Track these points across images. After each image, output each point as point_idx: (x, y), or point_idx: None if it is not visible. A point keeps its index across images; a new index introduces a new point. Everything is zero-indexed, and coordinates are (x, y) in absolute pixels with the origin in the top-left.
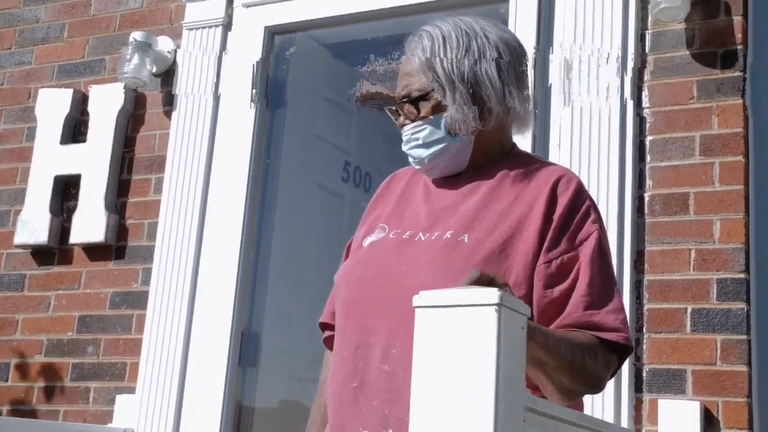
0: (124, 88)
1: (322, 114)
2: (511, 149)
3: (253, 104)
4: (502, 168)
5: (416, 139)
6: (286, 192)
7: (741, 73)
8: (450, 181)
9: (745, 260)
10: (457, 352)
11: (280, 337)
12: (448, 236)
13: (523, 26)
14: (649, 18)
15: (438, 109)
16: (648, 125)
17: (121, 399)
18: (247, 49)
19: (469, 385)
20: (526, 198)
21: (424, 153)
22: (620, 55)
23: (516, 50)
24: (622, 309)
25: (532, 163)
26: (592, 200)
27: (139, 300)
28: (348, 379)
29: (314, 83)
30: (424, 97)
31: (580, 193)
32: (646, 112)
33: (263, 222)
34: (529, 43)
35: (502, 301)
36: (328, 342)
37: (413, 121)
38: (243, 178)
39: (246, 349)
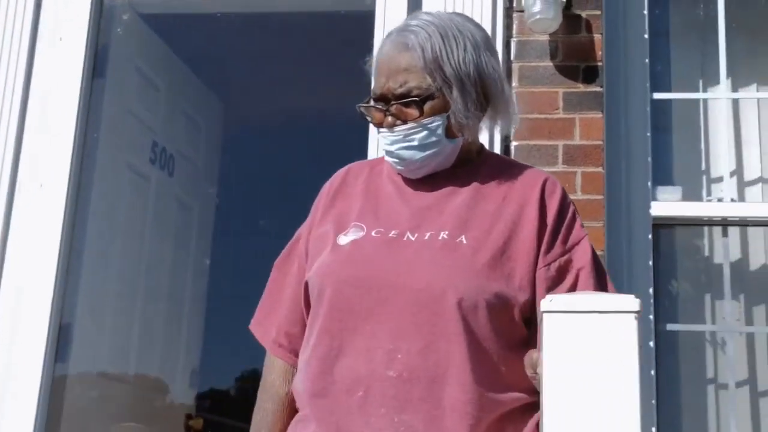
0: None
1: (134, 88)
2: (482, 149)
3: (80, 73)
4: (480, 168)
5: (410, 140)
6: (102, 170)
7: (600, 89)
8: (425, 179)
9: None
10: (595, 357)
11: (90, 329)
12: (445, 236)
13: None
14: (514, 26)
15: (440, 110)
16: (512, 131)
17: None
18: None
19: (613, 389)
20: (514, 198)
21: (417, 155)
22: None
23: (493, 45)
24: None
25: (508, 164)
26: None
27: None
28: (352, 387)
29: (130, 54)
30: (430, 97)
31: (565, 196)
32: None
33: (79, 204)
34: None
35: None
36: (280, 350)
37: (405, 121)
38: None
39: (61, 344)
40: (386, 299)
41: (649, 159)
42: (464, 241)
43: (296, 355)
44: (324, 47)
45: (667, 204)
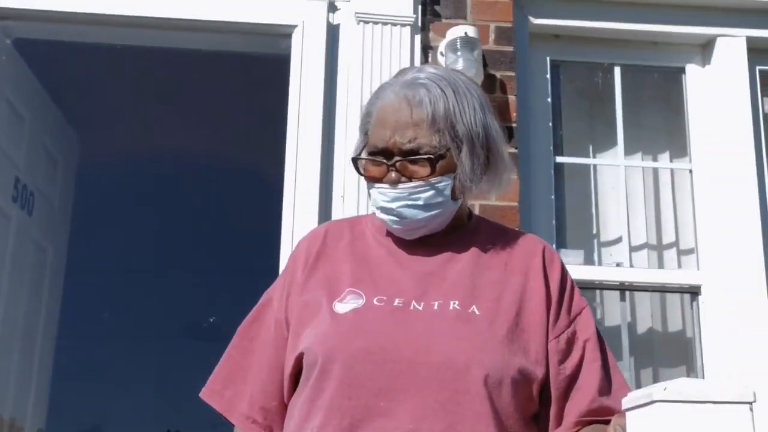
0: None
1: (2, 119)
2: (471, 213)
3: None
4: (474, 233)
5: (416, 199)
6: None
7: (515, 150)
8: (417, 243)
9: None
10: None
11: None
12: (457, 307)
13: (308, 78)
14: None
15: (448, 170)
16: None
17: None
18: None
19: None
20: (516, 267)
21: (420, 215)
22: None
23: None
24: (626, 384)
25: (503, 230)
26: None
27: None
28: None
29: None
30: (442, 156)
31: (563, 264)
32: None
33: None
34: (317, 100)
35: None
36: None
37: (410, 179)
38: None
39: None
40: (402, 375)
41: (554, 222)
42: (476, 312)
43: None
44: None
45: (570, 267)
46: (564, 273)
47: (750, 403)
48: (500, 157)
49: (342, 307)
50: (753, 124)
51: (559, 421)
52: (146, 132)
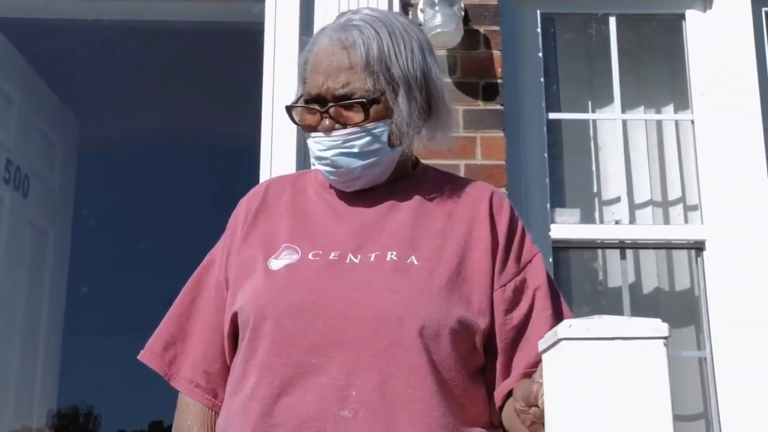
0: None
1: None
2: (418, 162)
3: None
4: (419, 183)
5: (350, 147)
6: None
7: (501, 107)
8: (359, 194)
9: None
10: (621, 388)
11: None
12: (394, 258)
13: (282, 42)
14: None
15: (384, 115)
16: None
17: None
18: None
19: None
20: (461, 215)
21: (356, 163)
22: None
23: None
24: None
25: (450, 178)
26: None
27: None
28: (298, 430)
29: None
30: (376, 100)
31: (513, 211)
32: None
33: None
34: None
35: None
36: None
37: (345, 125)
38: None
39: None
40: (334, 330)
41: (547, 181)
42: (415, 262)
43: (215, 396)
44: (202, 61)
45: (566, 227)
46: (513, 220)
47: (664, 338)
48: (442, 102)
49: (276, 263)
50: (758, 71)
51: (507, 373)
52: (150, 111)
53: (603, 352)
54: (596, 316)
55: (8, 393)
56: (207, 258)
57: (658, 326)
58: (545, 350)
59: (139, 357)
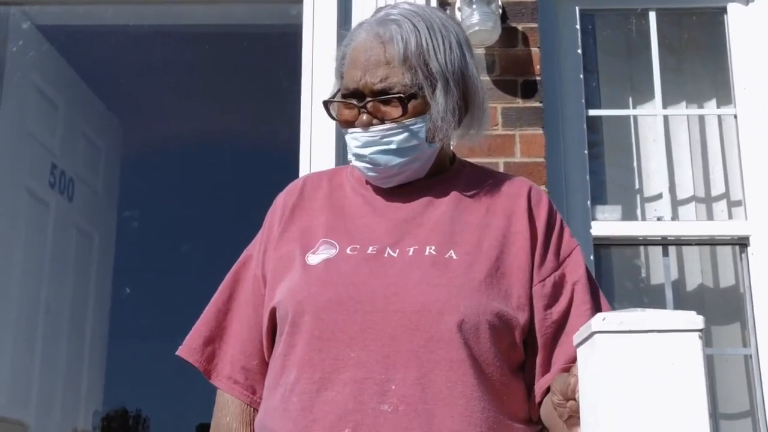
0: None
1: (33, 107)
2: (455, 157)
3: None
4: (456, 178)
5: (388, 143)
6: None
7: (540, 104)
8: (396, 190)
9: None
10: (657, 382)
11: None
12: (433, 252)
13: (321, 43)
14: None
15: (421, 111)
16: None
17: None
18: None
19: (679, 417)
20: (499, 209)
21: (394, 160)
22: None
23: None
24: None
25: (487, 173)
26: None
27: None
28: (337, 425)
29: (27, 69)
30: (414, 95)
31: (552, 205)
32: None
33: None
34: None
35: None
36: (236, 387)
37: (383, 121)
38: None
39: None
40: (374, 324)
41: (587, 177)
42: (454, 257)
43: (254, 393)
44: (243, 64)
45: (607, 224)
46: (551, 214)
47: (699, 330)
48: (477, 98)
49: (314, 258)
50: None
51: (547, 369)
52: (193, 115)
53: (637, 345)
54: (630, 310)
55: (55, 395)
56: (244, 254)
57: (692, 318)
58: (580, 344)
59: (177, 352)
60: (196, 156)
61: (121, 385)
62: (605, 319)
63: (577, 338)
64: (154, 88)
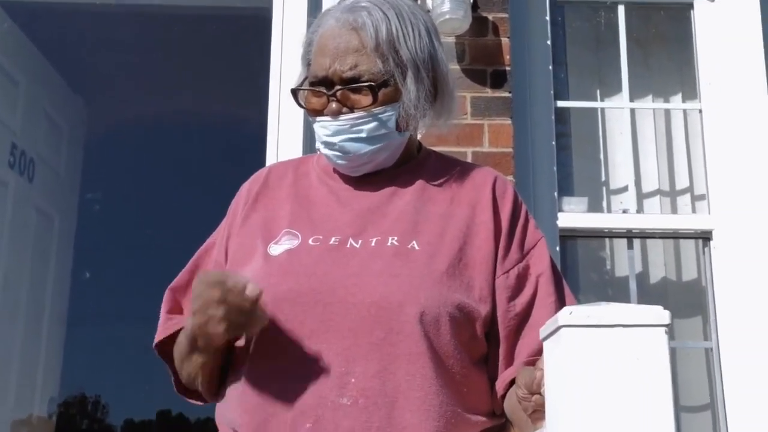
0: None
1: None
2: (421, 146)
3: None
4: (422, 167)
5: (358, 131)
6: None
7: (509, 94)
8: (362, 179)
9: None
10: (622, 376)
11: None
12: (395, 243)
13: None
14: None
15: (391, 99)
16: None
17: None
18: None
19: (643, 411)
20: (464, 200)
21: (364, 148)
22: None
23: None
24: None
25: (452, 162)
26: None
27: None
28: (298, 419)
29: None
30: (384, 84)
31: (517, 196)
32: None
33: None
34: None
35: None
36: None
37: (352, 109)
38: None
39: None
40: (333, 316)
41: (555, 169)
42: (416, 247)
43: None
44: (211, 46)
45: (573, 215)
46: (516, 205)
47: (665, 326)
48: (447, 85)
49: (276, 248)
50: (765, 60)
51: (510, 361)
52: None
53: (603, 340)
54: (597, 304)
55: (10, 379)
56: (207, 241)
57: (659, 314)
58: (546, 337)
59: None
60: (161, 137)
61: (81, 369)
62: (572, 313)
63: (543, 332)
64: (120, 68)
